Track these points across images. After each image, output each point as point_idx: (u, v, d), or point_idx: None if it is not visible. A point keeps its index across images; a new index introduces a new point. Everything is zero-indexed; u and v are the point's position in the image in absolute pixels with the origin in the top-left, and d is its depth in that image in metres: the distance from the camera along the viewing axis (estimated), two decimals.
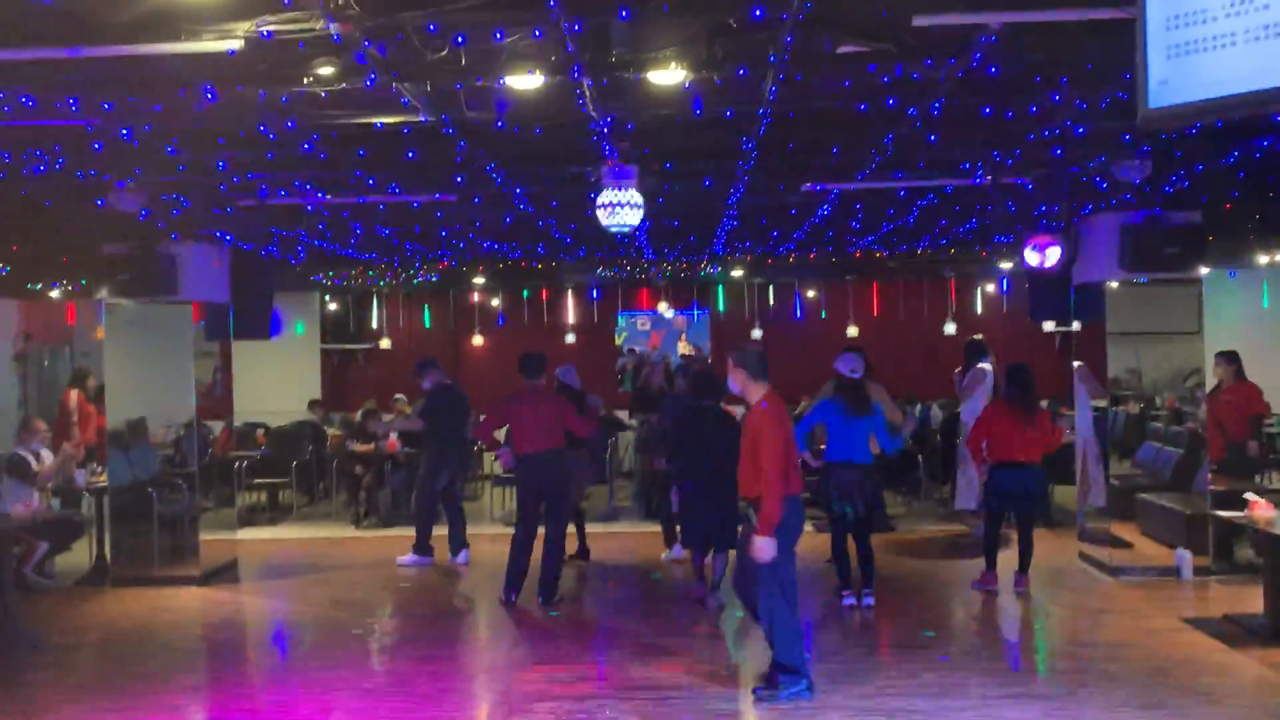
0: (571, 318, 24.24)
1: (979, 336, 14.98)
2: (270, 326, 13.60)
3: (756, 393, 7.47)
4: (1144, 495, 12.71)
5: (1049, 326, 20.75)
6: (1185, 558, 11.64)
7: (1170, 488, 12.64)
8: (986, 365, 14.09)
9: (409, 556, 13.02)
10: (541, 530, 10.99)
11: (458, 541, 13.11)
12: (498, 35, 6.63)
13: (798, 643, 7.80)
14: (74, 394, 15.77)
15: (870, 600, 10.51)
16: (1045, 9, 6.23)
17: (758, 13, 6.21)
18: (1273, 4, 4.33)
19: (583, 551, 13.04)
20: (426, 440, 13.56)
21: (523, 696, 8.01)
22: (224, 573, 12.62)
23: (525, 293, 24.12)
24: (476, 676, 8.88)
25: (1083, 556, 12.55)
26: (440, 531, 13.21)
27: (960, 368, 14.47)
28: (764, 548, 7.30)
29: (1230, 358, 13.33)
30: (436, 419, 13.25)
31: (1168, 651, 8.91)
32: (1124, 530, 12.36)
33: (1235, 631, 9.44)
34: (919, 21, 6.20)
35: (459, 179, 11.25)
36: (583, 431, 11.40)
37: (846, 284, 23.52)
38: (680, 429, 10.86)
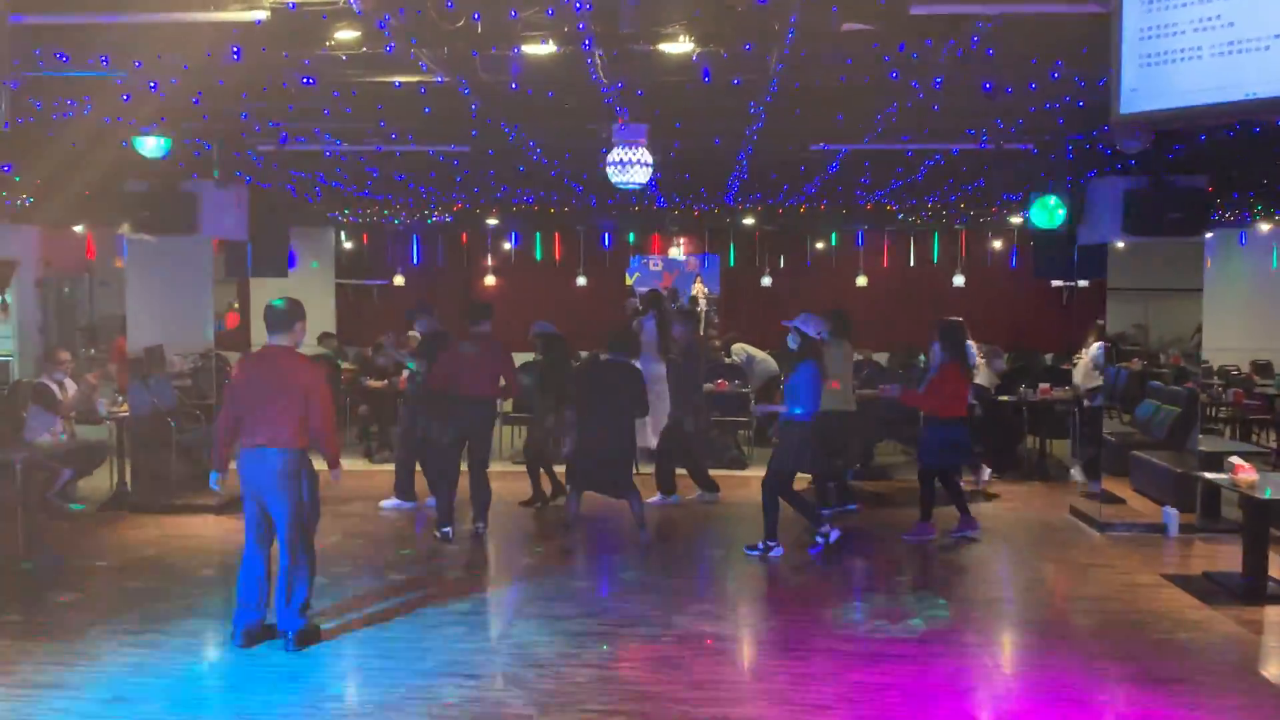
0: (583, 260, 24.57)
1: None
2: (287, 263, 13.90)
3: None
4: (1138, 452, 13.00)
5: (1058, 281, 20.87)
6: (1173, 515, 11.97)
7: (1165, 446, 12.87)
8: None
9: (392, 500, 12.96)
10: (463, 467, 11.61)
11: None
12: (512, 14, 6.88)
13: None
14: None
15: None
16: (1033, 2, 6.43)
17: None
18: (1237, 22, 4.62)
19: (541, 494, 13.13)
20: (409, 389, 13.11)
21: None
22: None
23: (538, 235, 24.67)
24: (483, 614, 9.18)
25: (1074, 511, 12.85)
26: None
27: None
28: None
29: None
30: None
31: (1147, 606, 9.26)
32: (1117, 486, 12.66)
33: (1213, 589, 9.77)
34: (916, 10, 6.42)
35: (473, 133, 11.49)
36: (515, 390, 12.20)
37: (857, 235, 24.13)
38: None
